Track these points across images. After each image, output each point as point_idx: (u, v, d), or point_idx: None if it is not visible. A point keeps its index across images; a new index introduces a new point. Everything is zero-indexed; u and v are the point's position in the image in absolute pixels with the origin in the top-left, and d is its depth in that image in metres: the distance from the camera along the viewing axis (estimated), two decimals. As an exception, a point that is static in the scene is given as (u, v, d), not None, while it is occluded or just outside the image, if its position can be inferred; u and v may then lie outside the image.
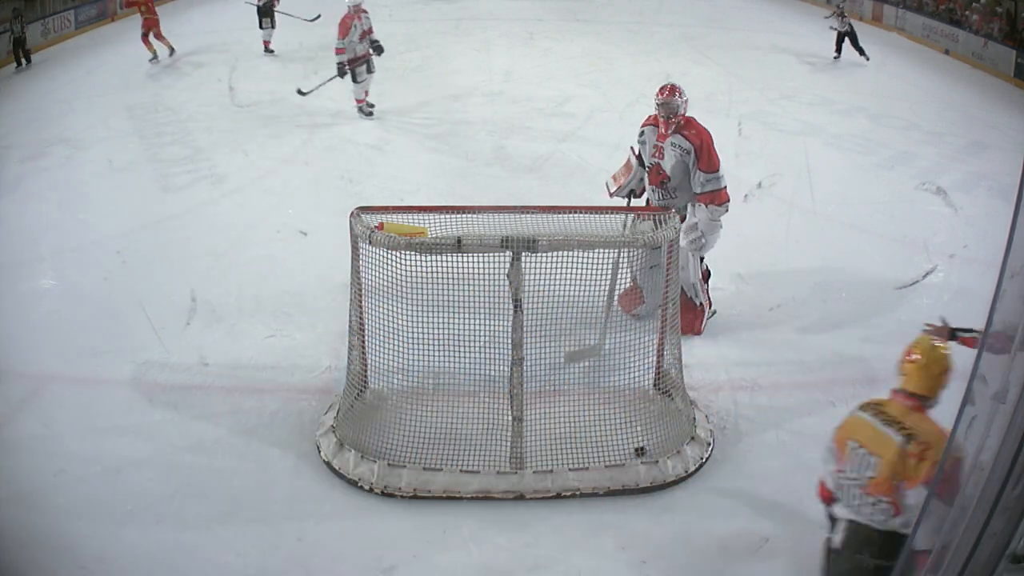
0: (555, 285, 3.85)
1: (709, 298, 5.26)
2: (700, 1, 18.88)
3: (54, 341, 5.12)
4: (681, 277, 4.70)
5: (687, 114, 4.93)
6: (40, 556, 3.45)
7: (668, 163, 4.91)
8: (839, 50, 13.06)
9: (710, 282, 5.31)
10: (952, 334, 3.25)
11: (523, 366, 3.83)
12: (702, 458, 4.03)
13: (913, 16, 16.22)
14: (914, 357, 2.78)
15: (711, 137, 4.90)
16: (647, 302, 4.97)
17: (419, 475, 3.83)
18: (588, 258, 3.86)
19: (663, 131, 4.93)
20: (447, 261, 3.82)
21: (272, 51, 12.92)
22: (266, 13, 12.64)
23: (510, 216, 3.98)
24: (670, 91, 4.90)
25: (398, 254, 3.82)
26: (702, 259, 5.15)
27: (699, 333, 5.16)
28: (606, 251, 4.05)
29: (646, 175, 5.07)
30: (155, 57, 12.45)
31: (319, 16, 12.20)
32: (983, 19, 14.19)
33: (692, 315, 5.10)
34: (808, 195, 7.63)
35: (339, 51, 9.26)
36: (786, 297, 5.73)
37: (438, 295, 3.87)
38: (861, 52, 12.87)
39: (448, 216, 4.03)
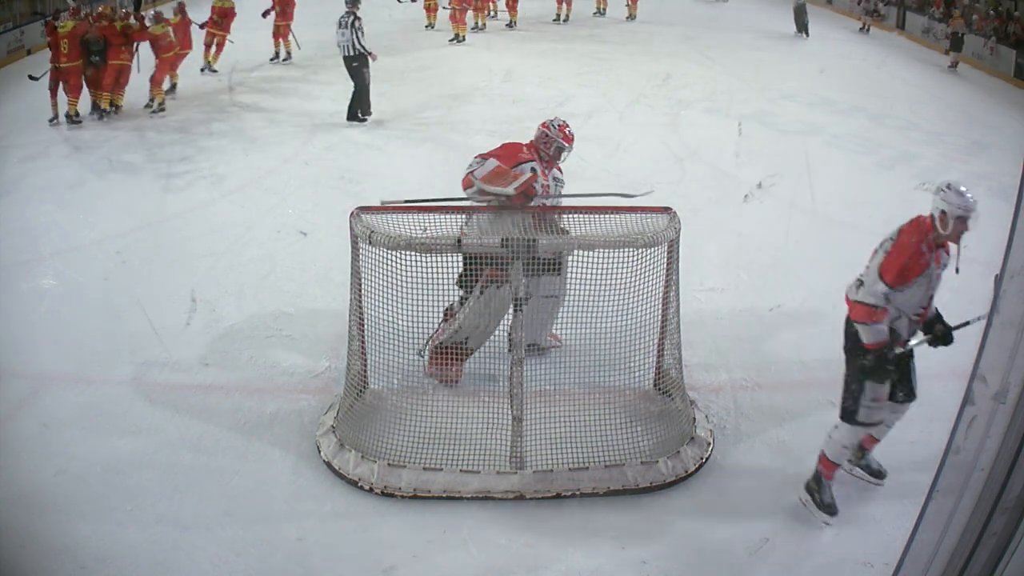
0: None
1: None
2: (700, 1, 18.88)
3: (54, 341, 5.12)
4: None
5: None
6: (40, 556, 3.45)
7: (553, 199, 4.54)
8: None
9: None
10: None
11: (523, 366, 3.82)
12: (702, 458, 4.02)
13: (913, 16, 16.25)
14: None
15: None
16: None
17: (419, 475, 3.83)
18: (589, 257, 3.86)
19: (545, 167, 4.53)
20: (447, 261, 3.82)
21: None
22: None
23: (510, 216, 3.97)
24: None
25: (398, 254, 3.82)
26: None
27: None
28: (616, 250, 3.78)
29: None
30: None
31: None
32: (983, 18, 14.20)
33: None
34: (808, 195, 7.63)
35: None
36: (786, 297, 5.72)
37: (438, 295, 3.87)
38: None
39: (448, 216, 4.03)
